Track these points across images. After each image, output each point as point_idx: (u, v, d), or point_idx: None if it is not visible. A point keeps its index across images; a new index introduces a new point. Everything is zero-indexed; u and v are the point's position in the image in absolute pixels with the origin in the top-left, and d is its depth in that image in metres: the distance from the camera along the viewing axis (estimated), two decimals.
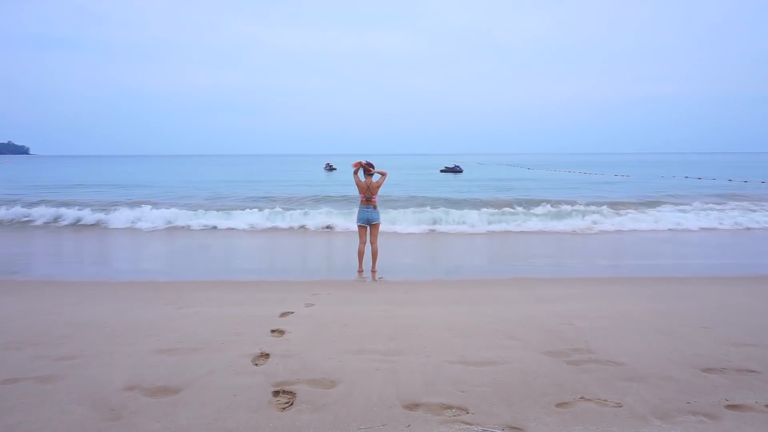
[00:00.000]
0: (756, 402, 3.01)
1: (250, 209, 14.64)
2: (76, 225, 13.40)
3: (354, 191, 7.92)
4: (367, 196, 7.57)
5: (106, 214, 13.76)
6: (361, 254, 7.65)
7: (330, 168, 59.71)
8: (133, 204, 16.16)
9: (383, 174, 7.71)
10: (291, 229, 12.55)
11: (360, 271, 7.54)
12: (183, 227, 12.78)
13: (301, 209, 14.67)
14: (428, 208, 14.54)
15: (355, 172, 7.64)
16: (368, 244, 7.65)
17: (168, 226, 12.87)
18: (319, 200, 19.52)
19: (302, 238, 11.36)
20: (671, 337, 4.28)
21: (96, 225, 13.28)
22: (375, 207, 7.63)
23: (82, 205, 15.56)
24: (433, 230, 12.20)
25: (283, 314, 5.12)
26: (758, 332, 4.44)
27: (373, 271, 7.51)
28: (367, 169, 7.60)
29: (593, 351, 3.93)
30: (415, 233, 11.86)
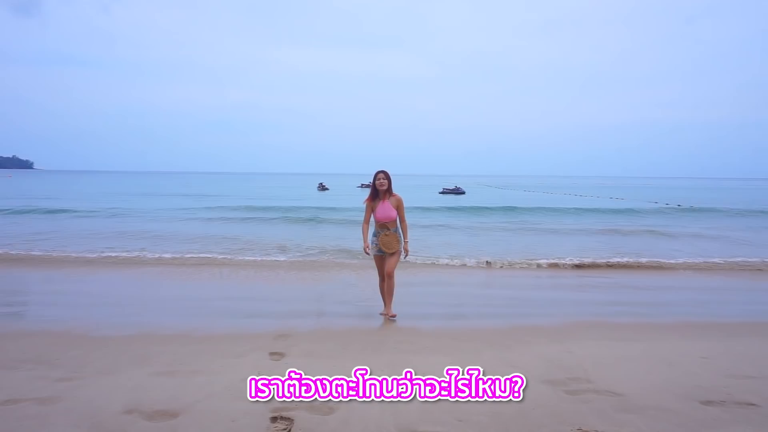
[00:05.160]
0: None
1: None
2: None
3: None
4: (384, 222, 5.97)
5: None
6: (383, 291, 6.19)
7: (323, 188, 60.49)
8: None
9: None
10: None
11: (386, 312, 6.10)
12: None
13: None
14: None
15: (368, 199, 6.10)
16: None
17: None
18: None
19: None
20: (671, 368, 4.27)
21: None
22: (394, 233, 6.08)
23: None
24: None
25: (282, 336, 5.13)
26: (758, 363, 4.43)
27: (388, 311, 6.09)
28: (380, 183, 5.97)
29: (592, 380, 3.92)
30: None
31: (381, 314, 6.17)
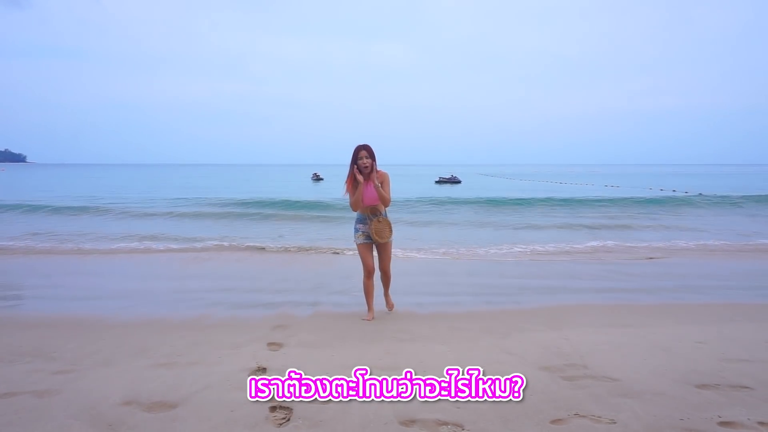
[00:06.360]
0: (748, 419, 3.04)
1: None
2: None
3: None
4: (372, 205, 5.30)
5: None
6: (368, 290, 5.49)
7: (317, 178, 60.21)
8: None
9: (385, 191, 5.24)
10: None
11: (370, 317, 5.45)
12: None
13: None
14: None
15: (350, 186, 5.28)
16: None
17: None
18: None
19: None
20: (666, 353, 4.31)
21: None
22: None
23: None
24: None
25: (280, 327, 5.14)
26: (752, 347, 4.47)
27: (388, 298, 5.76)
28: (363, 164, 5.14)
29: (588, 366, 3.95)
30: None
31: (364, 320, 5.42)
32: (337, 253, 10.57)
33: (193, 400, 3.31)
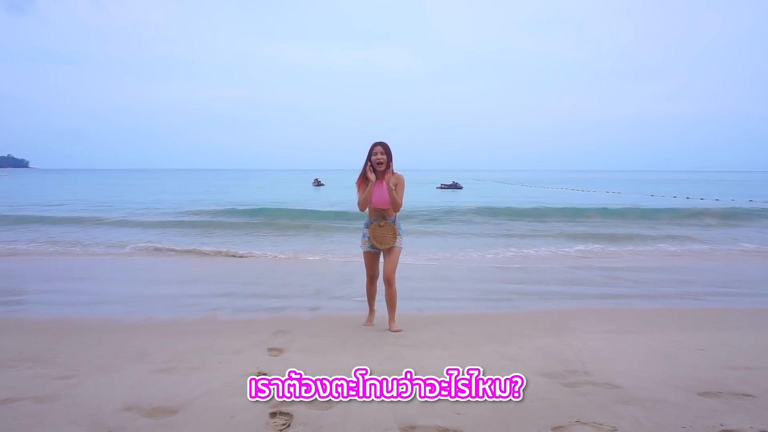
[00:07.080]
0: (751, 427, 3.02)
1: None
2: None
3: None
4: (380, 208, 5.01)
5: None
6: (370, 294, 5.43)
7: (318, 183, 60.07)
8: None
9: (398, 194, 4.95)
10: None
11: (370, 322, 5.40)
12: None
13: None
14: None
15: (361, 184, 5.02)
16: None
17: None
18: None
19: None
20: (668, 359, 4.29)
21: None
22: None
23: None
24: None
25: (281, 332, 5.13)
26: (755, 355, 4.46)
27: (392, 323, 5.21)
28: (377, 160, 4.91)
29: (590, 373, 3.94)
30: None
31: (364, 325, 5.36)
32: (333, 260, 10.57)
33: (193, 406, 3.30)
